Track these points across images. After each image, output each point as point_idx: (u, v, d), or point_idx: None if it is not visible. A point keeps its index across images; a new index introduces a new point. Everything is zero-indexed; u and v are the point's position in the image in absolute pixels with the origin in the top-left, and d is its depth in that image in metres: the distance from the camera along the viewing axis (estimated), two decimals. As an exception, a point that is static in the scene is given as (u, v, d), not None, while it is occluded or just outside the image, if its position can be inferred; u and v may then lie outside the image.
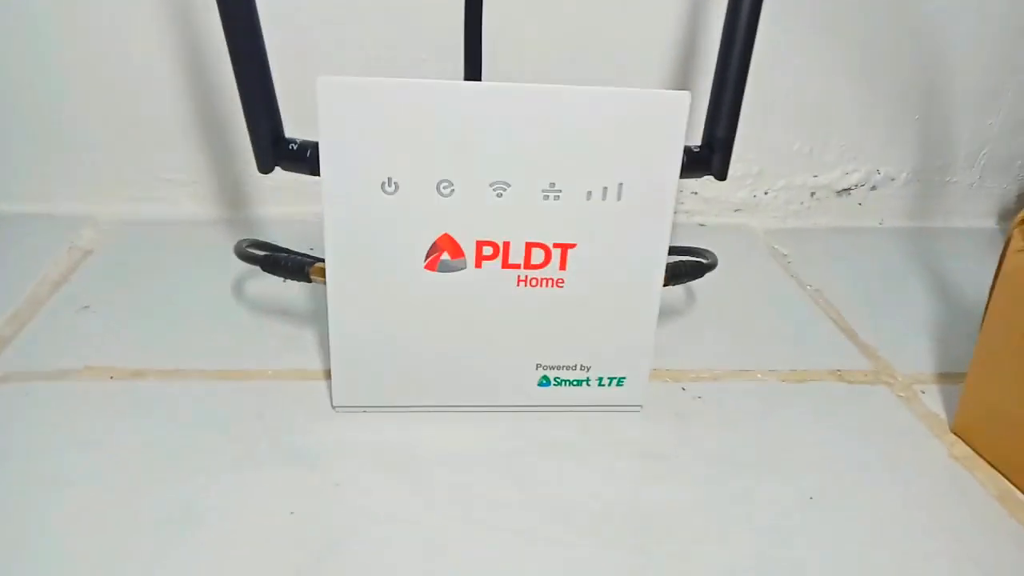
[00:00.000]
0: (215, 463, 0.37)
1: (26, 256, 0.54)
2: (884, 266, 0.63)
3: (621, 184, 0.36)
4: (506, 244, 0.37)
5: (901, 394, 0.46)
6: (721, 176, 0.40)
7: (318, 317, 0.49)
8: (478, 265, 0.38)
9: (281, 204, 0.63)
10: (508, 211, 0.36)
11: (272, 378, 0.43)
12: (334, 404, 0.40)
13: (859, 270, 0.62)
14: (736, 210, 0.68)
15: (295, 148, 0.37)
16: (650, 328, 0.40)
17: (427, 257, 0.37)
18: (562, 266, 0.38)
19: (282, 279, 0.51)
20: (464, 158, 0.35)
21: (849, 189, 0.69)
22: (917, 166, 0.69)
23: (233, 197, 0.62)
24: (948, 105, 0.67)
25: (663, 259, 0.38)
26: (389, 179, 0.35)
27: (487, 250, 0.37)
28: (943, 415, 0.44)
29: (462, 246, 0.37)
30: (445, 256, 0.37)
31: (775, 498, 0.37)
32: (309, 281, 0.41)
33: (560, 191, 0.36)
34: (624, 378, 0.41)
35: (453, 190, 0.36)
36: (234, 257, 0.44)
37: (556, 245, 0.37)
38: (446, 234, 0.37)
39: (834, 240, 0.67)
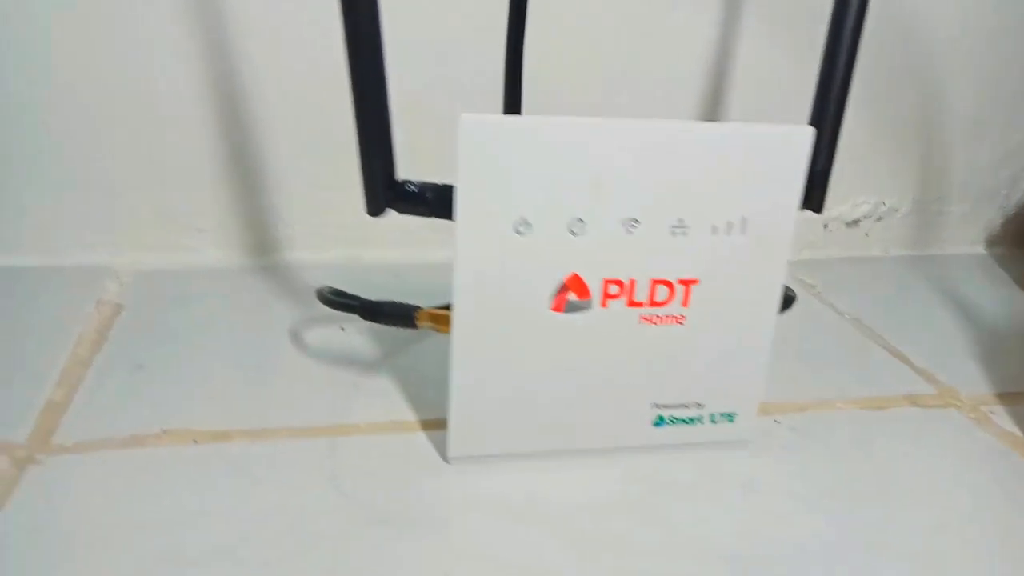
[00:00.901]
0: (339, 526, 0.34)
1: (52, 314, 0.49)
2: (901, 292, 0.66)
3: (744, 219, 0.37)
4: (632, 282, 0.37)
5: (971, 416, 0.47)
6: (819, 209, 0.41)
7: (387, 363, 0.47)
8: (603, 304, 0.37)
9: (311, 249, 0.60)
10: (637, 248, 0.36)
11: (367, 432, 0.41)
12: (449, 455, 0.38)
13: (881, 297, 0.64)
14: (757, 243, 0.70)
15: (414, 189, 0.36)
16: (763, 363, 0.40)
17: (553, 298, 0.36)
18: (684, 303, 0.38)
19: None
20: (597, 195, 0.35)
21: (858, 220, 0.72)
22: (917, 197, 0.73)
23: (259, 243, 0.59)
24: (944, 138, 0.71)
25: (779, 293, 0.39)
26: (523, 219, 0.34)
27: (613, 288, 0.37)
28: (1019, 434, 0.45)
29: (589, 285, 0.36)
30: (572, 296, 0.36)
31: (911, 525, 0.37)
32: (415, 327, 0.39)
33: (688, 227, 0.36)
34: (735, 414, 0.41)
35: (585, 229, 0.35)
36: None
37: (681, 282, 0.37)
38: (574, 274, 0.36)
39: (848, 269, 0.70)
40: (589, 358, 0.38)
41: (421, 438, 0.41)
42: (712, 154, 0.35)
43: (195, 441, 0.39)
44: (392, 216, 0.62)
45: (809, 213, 0.63)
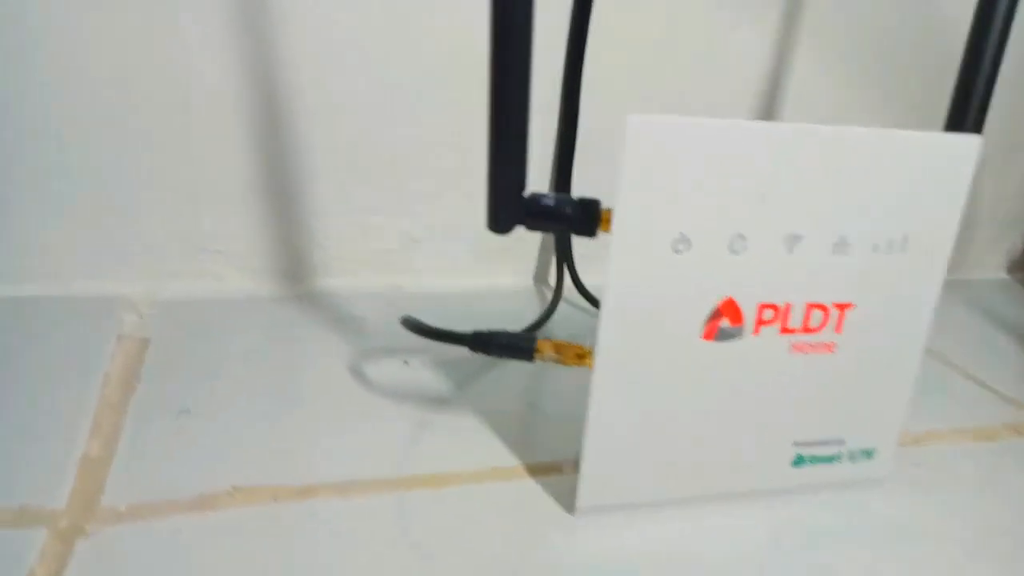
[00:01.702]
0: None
1: (72, 350, 0.42)
2: (944, 318, 0.64)
3: (906, 236, 0.33)
4: (787, 306, 0.33)
5: (1078, 444, 0.45)
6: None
7: (457, 399, 0.41)
8: (756, 331, 0.33)
9: (343, 276, 0.54)
10: (796, 269, 0.32)
11: (468, 481, 0.35)
12: (578, 505, 0.33)
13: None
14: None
15: (550, 203, 0.31)
16: (907, 393, 0.37)
17: (706, 325, 0.32)
18: (837, 328, 0.34)
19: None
20: (763, 207, 0.31)
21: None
22: (951, 222, 0.72)
23: (291, 269, 0.53)
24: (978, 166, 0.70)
25: (931, 313, 0.36)
26: (683, 235, 0.30)
27: (768, 313, 0.33)
28: None
29: (743, 310, 0.32)
30: (724, 323, 0.32)
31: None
32: (531, 360, 0.34)
33: (850, 244, 0.33)
34: (874, 450, 0.37)
35: (746, 246, 0.31)
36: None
37: (836, 305, 0.33)
38: (730, 298, 0.32)
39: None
40: (734, 392, 0.34)
41: (530, 486, 0.35)
42: (879, 164, 0.32)
43: (275, 499, 0.33)
44: (434, 243, 0.58)
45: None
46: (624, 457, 0.33)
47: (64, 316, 0.46)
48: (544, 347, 0.34)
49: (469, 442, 0.38)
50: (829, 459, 0.37)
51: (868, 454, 0.37)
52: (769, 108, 0.60)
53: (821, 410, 0.35)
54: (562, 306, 0.54)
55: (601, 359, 0.31)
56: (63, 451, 0.34)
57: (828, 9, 0.58)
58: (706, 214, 0.30)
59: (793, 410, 0.35)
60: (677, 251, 0.30)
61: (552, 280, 0.58)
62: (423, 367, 0.45)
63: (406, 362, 0.45)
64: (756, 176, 0.30)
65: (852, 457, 0.37)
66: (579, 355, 0.33)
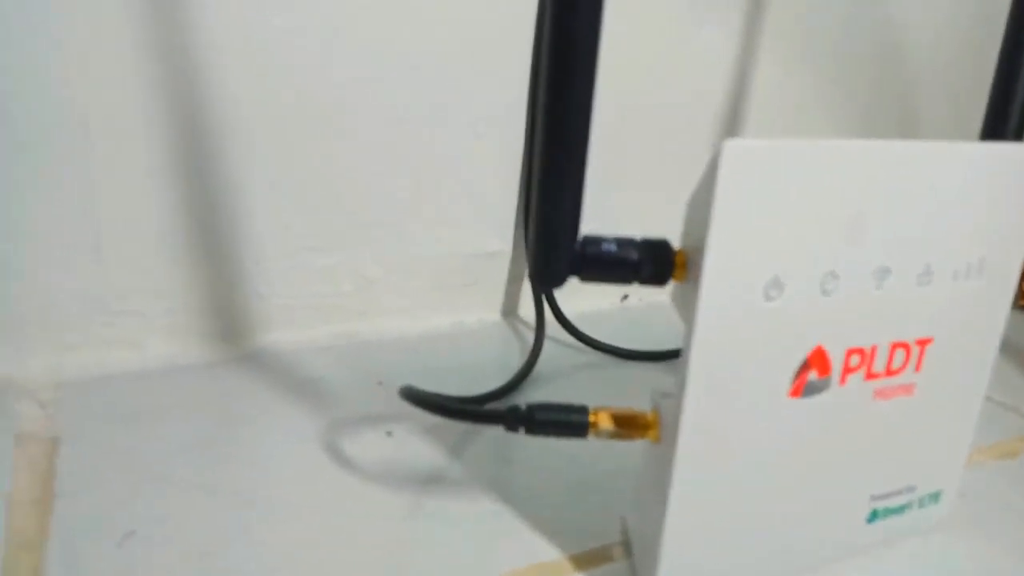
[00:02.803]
0: None
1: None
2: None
3: (982, 259, 0.30)
4: (874, 349, 0.28)
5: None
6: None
7: (462, 476, 0.35)
8: (842, 381, 0.28)
9: (293, 329, 0.46)
10: (884, 306, 0.28)
11: (512, 587, 0.29)
12: (658, 608, 0.28)
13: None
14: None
15: (612, 248, 0.25)
16: (972, 427, 0.33)
17: (794, 380, 0.27)
18: (917, 367, 0.30)
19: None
20: (856, 240, 0.26)
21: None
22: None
23: (226, 327, 0.45)
24: None
25: (997, 342, 0.32)
26: (775, 279, 0.25)
27: (854, 360, 0.28)
28: None
29: (831, 359, 0.28)
30: (812, 375, 0.27)
31: None
32: (584, 437, 0.28)
33: (933, 273, 0.29)
34: (941, 492, 0.34)
35: (838, 286, 0.26)
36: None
37: (918, 342, 0.30)
38: (819, 346, 0.27)
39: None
40: (818, 453, 0.29)
41: (586, 584, 0.29)
42: (958, 181, 0.28)
43: (281, 654, 0.25)
44: (390, 281, 0.50)
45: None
46: (709, 543, 0.28)
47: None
48: (601, 419, 0.28)
49: (489, 532, 0.31)
50: (900, 509, 0.33)
51: (935, 498, 0.34)
52: (734, 109, 0.57)
53: (898, 458, 0.32)
54: (545, 344, 0.48)
55: (687, 434, 0.26)
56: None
57: (789, 9, 0.55)
58: (800, 252, 0.25)
59: (872, 463, 0.31)
60: (769, 298, 0.25)
61: (523, 312, 0.52)
62: (410, 436, 0.38)
63: (389, 433, 0.38)
64: (850, 204, 0.26)
65: (921, 503, 0.33)
66: (645, 426, 0.28)
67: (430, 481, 0.34)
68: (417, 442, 0.37)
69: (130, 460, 0.34)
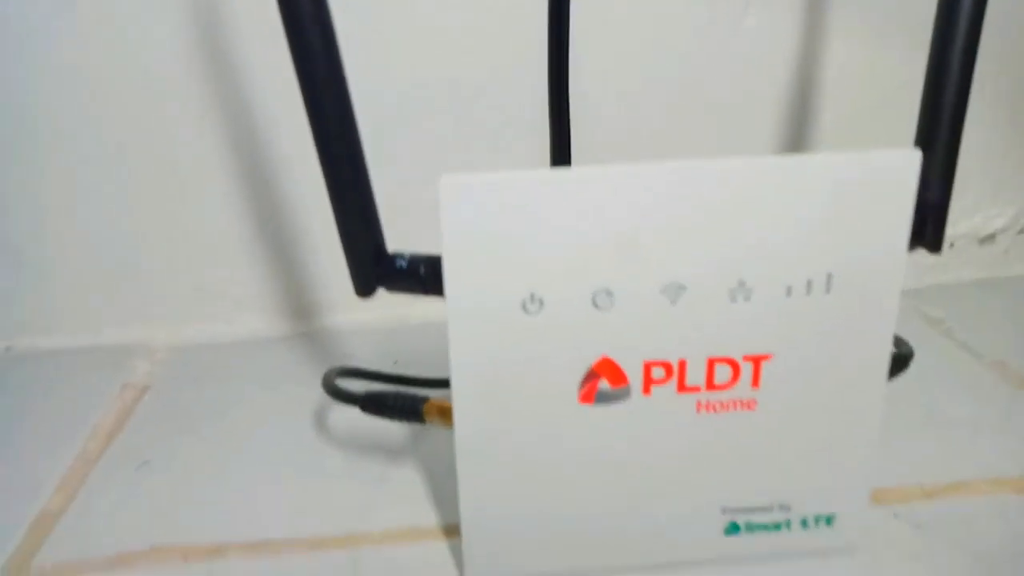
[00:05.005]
0: None
1: (75, 402, 0.46)
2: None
3: (830, 274, 0.28)
4: (682, 363, 0.29)
5: None
6: (936, 248, 0.32)
7: (419, 451, 0.40)
8: (646, 392, 0.29)
9: (353, 311, 0.55)
10: (684, 321, 0.28)
11: (379, 542, 0.35)
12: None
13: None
14: (867, 271, 0.59)
15: (404, 265, 0.30)
16: (869, 450, 0.31)
17: (581, 387, 0.29)
18: (754, 383, 0.29)
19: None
20: (627, 260, 0.27)
21: (994, 235, 0.60)
22: (1070, 203, 0.60)
23: (299, 307, 0.55)
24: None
25: (886, 361, 0.30)
26: (532, 295, 0.27)
27: (657, 372, 0.29)
28: None
29: (625, 370, 0.29)
30: (603, 384, 0.29)
31: None
32: (423, 423, 0.33)
33: (751, 290, 0.28)
34: (834, 515, 0.32)
35: (613, 302, 0.28)
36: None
37: (747, 358, 0.29)
38: (605, 357, 0.29)
39: (985, 295, 0.58)
40: (634, 456, 0.30)
41: (441, 549, 0.34)
42: (780, 195, 0.27)
43: (185, 559, 0.34)
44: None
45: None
46: (513, 527, 0.31)
47: (84, 366, 0.50)
48: (432, 411, 0.32)
49: (394, 498, 0.37)
50: (774, 527, 0.32)
51: (827, 520, 0.32)
52: (804, 102, 0.53)
53: (752, 473, 0.31)
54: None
55: (461, 429, 0.29)
56: (25, 505, 0.38)
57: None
58: (558, 271, 0.27)
59: (713, 474, 0.31)
60: (529, 312, 0.28)
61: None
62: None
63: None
64: (613, 226, 0.27)
65: (804, 524, 0.32)
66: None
67: (385, 450, 0.41)
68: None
69: (186, 408, 0.46)
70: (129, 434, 0.43)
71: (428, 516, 0.36)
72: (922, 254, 0.58)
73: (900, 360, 0.35)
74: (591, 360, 0.28)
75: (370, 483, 0.38)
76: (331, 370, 0.37)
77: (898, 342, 0.37)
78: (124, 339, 0.53)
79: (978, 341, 0.50)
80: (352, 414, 0.38)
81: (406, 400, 0.33)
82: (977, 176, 0.58)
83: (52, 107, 0.48)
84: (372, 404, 0.33)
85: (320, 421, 0.44)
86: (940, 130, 0.30)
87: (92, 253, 0.52)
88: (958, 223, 0.59)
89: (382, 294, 0.51)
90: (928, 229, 0.32)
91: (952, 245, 0.60)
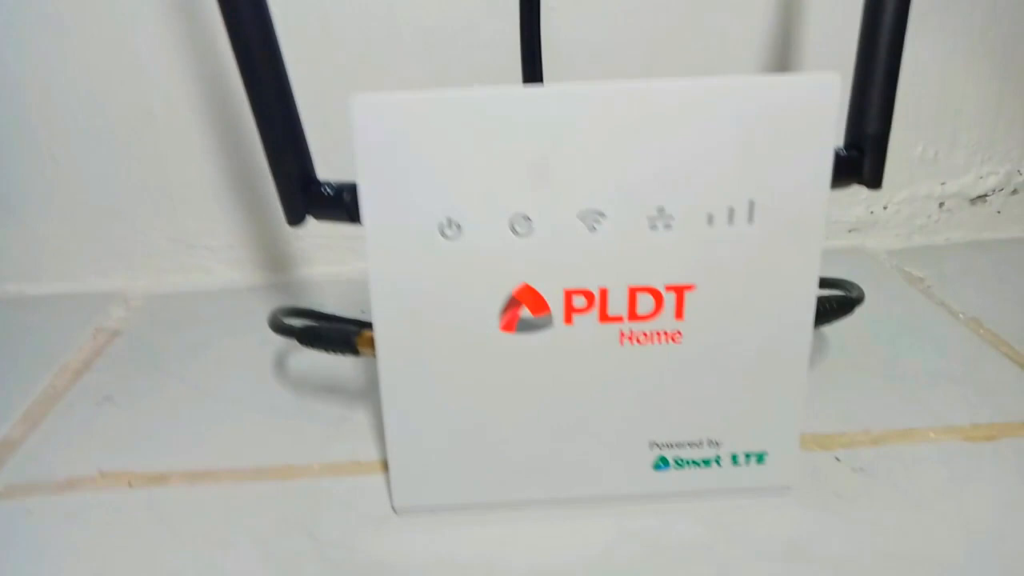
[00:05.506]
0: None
1: (47, 343, 0.48)
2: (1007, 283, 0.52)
3: (752, 202, 0.28)
4: (603, 291, 0.29)
5: (1124, 449, 0.35)
6: (875, 184, 0.31)
7: (372, 391, 0.41)
8: (568, 321, 0.29)
9: (328, 263, 0.56)
10: (604, 249, 0.28)
11: (319, 474, 0.35)
12: (395, 505, 0.32)
13: (1013, 292, 0.51)
14: (851, 230, 0.58)
15: (330, 192, 0.30)
16: (798, 387, 0.31)
17: (502, 315, 0.29)
18: (678, 315, 0.29)
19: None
20: (543, 184, 0.27)
21: (985, 195, 0.59)
22: (1065, 162, 0.58)
23: (273, 258, 0.56)
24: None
25: (812, 296, 0.29)
26: (449, 220, 0.27)
27: (579, 300, 0.29)
28: None
29: (546, 298, 0.29)
30: (524, 312, 0.29)
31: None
32: (357, 354, 0.33)
33: (671, 217, 0.28)
34: (765, 453, 0.32)
35: (531, 228, 0.28)
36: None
37: (669, 288, 0.29)
38: (525, 284, 0.28)
39: (974, 256, 0.57)
40: (557, 386, 0.30)
41: (378, 482, 0.34)
42: (699, 120, 0.27)
43: (130, 485, 0.35)
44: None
45: (904, 191, 0.51)
46: (437, 457, 0.31)
47: (61, 311, 0.52)
48: (364, 342, 0.32)
49: (339, 435, 0.38)
50: (703, 463, 0.32)
51: (759, 458, 0.32)
52: (786, 43, 0.52)
53: (679, 407, 0.31)
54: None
55: (384, 357, 0.29)
56: (-13, 435, 0.39)
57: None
58: (475, 195, 0.27)
59: (639, 408, 0.31)
60: (447, 236, 0.28)
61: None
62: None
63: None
64: (529, 149, 0.27)
65: (735, 461, 0.32)
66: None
67: (331, 390, 0.41)
68: (350, 360, 0.44)
69: (153, 351, 0.47)
70: (95, 373, 0.44)
71: (371, 452, 0.36)
72: (918, 209, 0.57)
73: (846, 303, 0.35)
74: (511, 287, 0.28)
75: (322, 422, 0.39)
76: (278, 308, 0.38)
77: (849, 286, 0.37)
78: (103, 287, 0.55)
79: (956, 300, 0.49)
80: (316, 359, 0.39)
81: (340, 333, 0.33)
82: (967, 133, 0.57)
83: (31, 58, 0.49)
84: (308, 337, 0.34)
85: (283, 366, 0.44)
86: (878, 57, 0.30)
87: (73, 204, 0.53)
88: (948, 182, 0.58)
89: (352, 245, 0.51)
90: (866, 162, 0.31)
91: (942, 205, 0.59)
